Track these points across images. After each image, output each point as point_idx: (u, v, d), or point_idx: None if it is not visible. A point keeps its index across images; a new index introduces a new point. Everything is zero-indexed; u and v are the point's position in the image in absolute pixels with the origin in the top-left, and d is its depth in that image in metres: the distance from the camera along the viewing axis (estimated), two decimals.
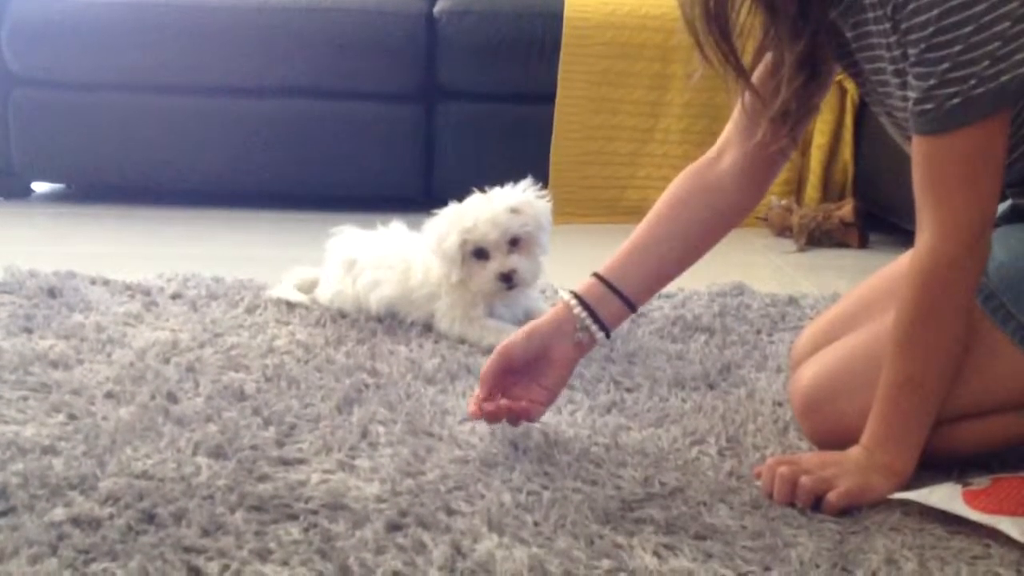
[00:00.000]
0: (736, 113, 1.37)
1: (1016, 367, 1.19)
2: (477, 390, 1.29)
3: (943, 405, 1.19)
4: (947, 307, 1.15)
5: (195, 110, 3.06)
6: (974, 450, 1.24)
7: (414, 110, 3.09)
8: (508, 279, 1.70)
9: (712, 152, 1.41)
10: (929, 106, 1.09)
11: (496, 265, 1.70)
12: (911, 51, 1.09)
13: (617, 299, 1.33)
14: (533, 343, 1.30)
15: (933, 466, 1.20)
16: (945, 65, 1.07)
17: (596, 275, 1.35)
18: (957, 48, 1.06)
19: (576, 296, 1.33)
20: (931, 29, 1.06)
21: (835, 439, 1.22)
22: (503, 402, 1.26)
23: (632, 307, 1.35)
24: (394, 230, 1.88)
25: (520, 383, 1.30)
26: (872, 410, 1.18)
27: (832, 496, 1.12)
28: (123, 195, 3.17)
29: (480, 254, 1.71)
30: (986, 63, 1.06)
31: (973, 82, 1.07)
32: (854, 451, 1.18)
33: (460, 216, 1.71)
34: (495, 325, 1.71)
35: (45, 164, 3.20)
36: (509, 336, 1.66)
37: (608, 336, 1.33)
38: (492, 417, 1.26)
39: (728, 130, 1.40)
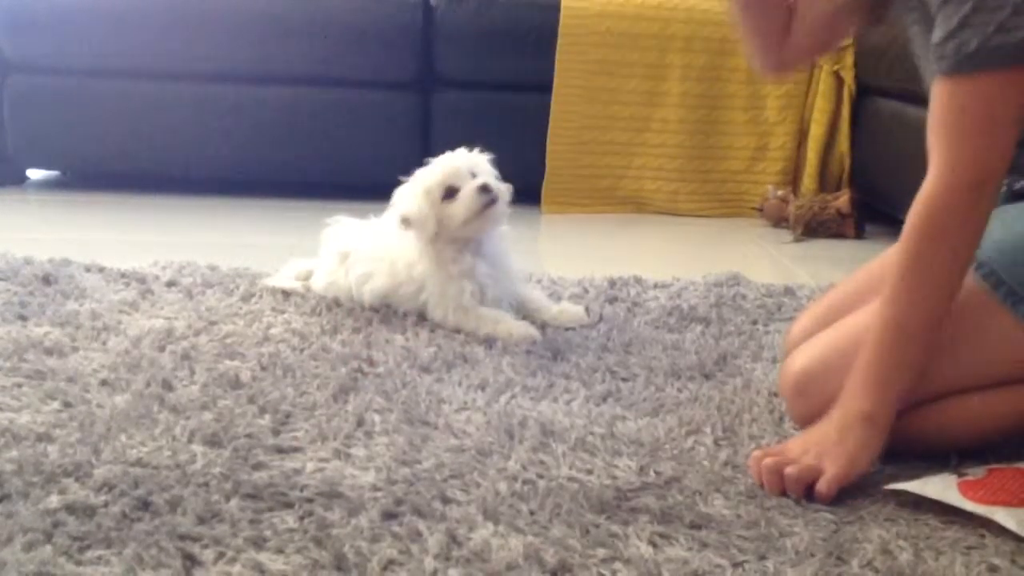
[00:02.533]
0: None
1: (1008, 331, 1.20)
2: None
3: (942, 380, 1.20)
4: (944, 249, 1.15)
5: (191, 97, 3.05)
6: (974, 431, 1.24)
7: (411, 98, 3.08)
8: (487, 189, 1.70)
9: None
10: (950, 46, 1.11)
11: (472, 184, 1.71)
12: None
13: None
14: None
15: (930, 456, 1.21)
16: (967, 8, 1.08)
17: None
18: None
19: None
20: None
21: None
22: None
23: None
24: (386, 221, 1.88)
25: None
26: (855, 364, 1.18)
27: (822, 486, 1.12)
28: (119, 182, 3.16)
29: (450, 193, 1.71)
30: (1008, 12, 1.07)
31: (992, 28, 1.08)
32: (831, 417, 1.17)
33: (423, 173, 1.73)
34: (491, 313, 1.71)
35: (40, 151, 3.19)
36: (505, 324, 1.67)
37: None
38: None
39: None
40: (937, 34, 1.12)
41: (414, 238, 1.75)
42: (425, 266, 1.75)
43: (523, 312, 1.78)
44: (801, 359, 1.30)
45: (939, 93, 1.14)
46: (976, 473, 1.13)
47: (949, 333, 1.20)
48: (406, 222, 1.73)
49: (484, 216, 1.72)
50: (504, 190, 1.73)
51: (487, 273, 1.75)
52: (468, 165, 1.74)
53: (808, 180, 3.03)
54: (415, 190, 1.73)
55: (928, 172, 1.16)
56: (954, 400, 1.23)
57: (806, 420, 1.27)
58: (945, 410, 1.24)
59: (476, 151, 1.77)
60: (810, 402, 1.26)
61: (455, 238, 1.73)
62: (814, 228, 2.74)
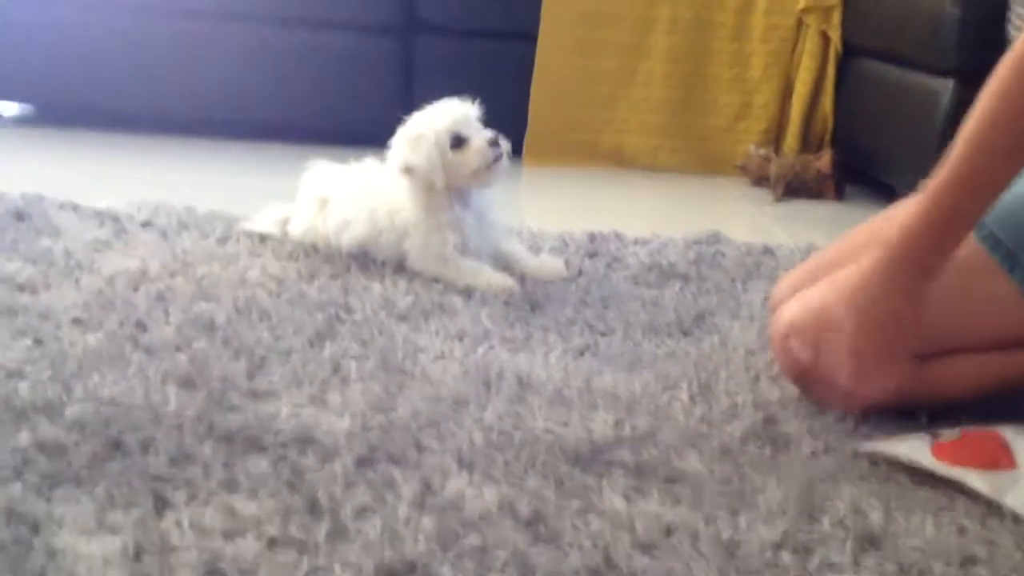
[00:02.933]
0: None
1: (1005, 299, 1.20)
2: None
3: (932, 338, 1.20)
4: None
5: (169, 34, 2.99)
6: (953, 392, 1.24)
7: (393, 43, 3.04)
8: (496, 143, 1.69)
9: None
10: None
11: (480, 135, 1.69)
12: None
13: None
14: None
15: (902, 413, 1.21)
16: None
17: None
18: None
19: None
20: None
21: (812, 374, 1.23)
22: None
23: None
24: (367, 167, 1.85)
25: None
26: (916, 204, 1.12)
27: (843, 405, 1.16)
28: (94, 119, 3.11)
29: (458, 142, 1.69)
30: None
31: None
32: (864, 274, 1.16)
33: (427, 120, 1.70)
34: (470, 264, 1.70)
35: (12, 84, 3.12)
36: (484, 275, 1.67)
37: None
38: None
39: None
40: None
41: (407, 185, 1.72)
42: (410, 213, 1.73)
43: (503, 264, 1.77)
44: (790, 312, 1.30)
45: None
46: (949, 435, 1.14)
47: (942, 290, 1.20)
48: (409, 171, 1.70)
49: (491, 170, 1.70)
50: (506, 146, 1.72)
51: (471, 225, 1.74)
52: (473, 111, 1.72)
53: (791, 139, 3.02)
54: (421, 137, 1.69)
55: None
56: (937, 361, 1.24)
57: (795, 373, 1.27)
58: (928, 370, 1.24)
59: (469, 101, 1.74)
60: (799, 355, 1.26)
61: (452, 188, 1.71)
62: (795, 188, 2.74)
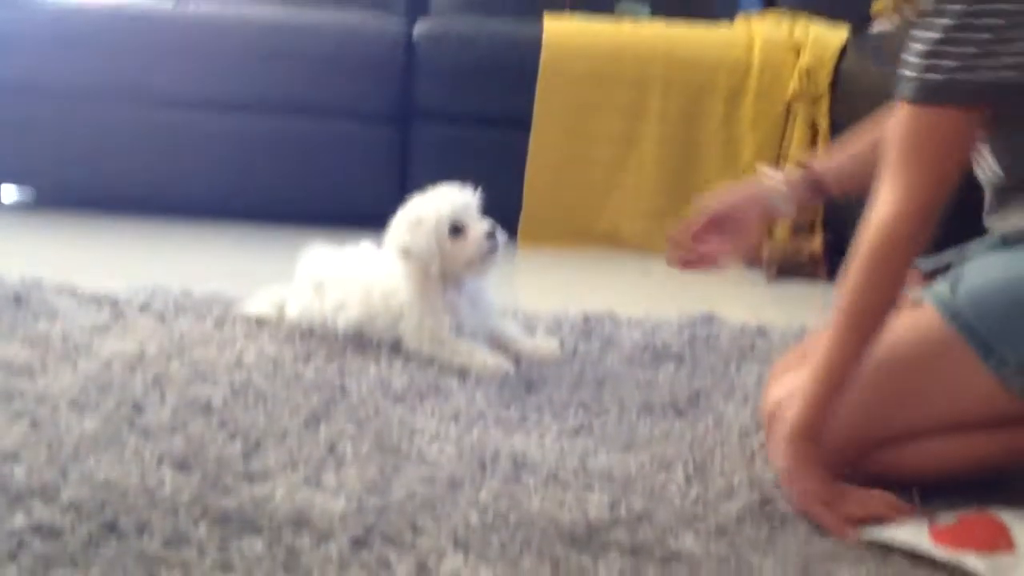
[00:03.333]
0: None
1: (978, 380, 1.21)
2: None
3: (907, 423, 1.23)
4: (900, 276, 1.18)
5: (170, 122, 3.04)
6: (929, 472, 1.25)
7: (390, 130, 3.09)
8: (493, 236, 1.71)
9: None
10: (913, 72, 1.13)
11: (479, 227, 1.71)
12: (920, 6, 1.12)
13: (815, 182, 1.50)
14: (732, 201, 1.50)
15: (892, 487, 1.22)
16: (937, 36, 1.10)
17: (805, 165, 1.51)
18: (951, 22, 1.08)
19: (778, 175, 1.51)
20: None
21: None
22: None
23: (826, 195, 1.52)
24: (363, 251, 1.88)
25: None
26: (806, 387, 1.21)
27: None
28: (92, 204, 3.14)
29: (456, 230, 1.71)
30: (972, 50, 1.08)
31: (956, 64, 1.09)
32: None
33: (429, 203, 1.72)
34: (465, 345, 1.71)
35: (13, 169, 3.16)
36: (479, 356, 1.68)
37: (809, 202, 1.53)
38: (690, 266, 1.49)
39: None
40: (910, 51, 1.13)
41: (403, 267, 1.74)
42: (405, 295, 1.75)
43: (498, 345, 1.78)
44: (776, 391, 1.31)
45: (901, 116, 1.16)
46: (947, 520, 1.14)
47: (923, 379, 1.22)
48: (407, 254, 1.72)
49: (485, 261, 1.73)
50: (502, 239, 1.74)
51: (465, 307, 1.75)
52: (472, 199, 1.74)
53: (782, 223, 3.05)
54: (420, 221, 1.71)
55: (880, 198, 1.18)
56: (913, 444, 1.26)
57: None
58: (903, 452, 1.26)
59: (469, 189, 1.77)
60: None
61: (447, 275, 1.73)
62: (788, 269, 2.76)
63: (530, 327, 1.94)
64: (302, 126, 3.06)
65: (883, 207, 1.17)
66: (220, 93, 3.03)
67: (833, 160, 1.52)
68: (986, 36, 1.07)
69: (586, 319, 2.03)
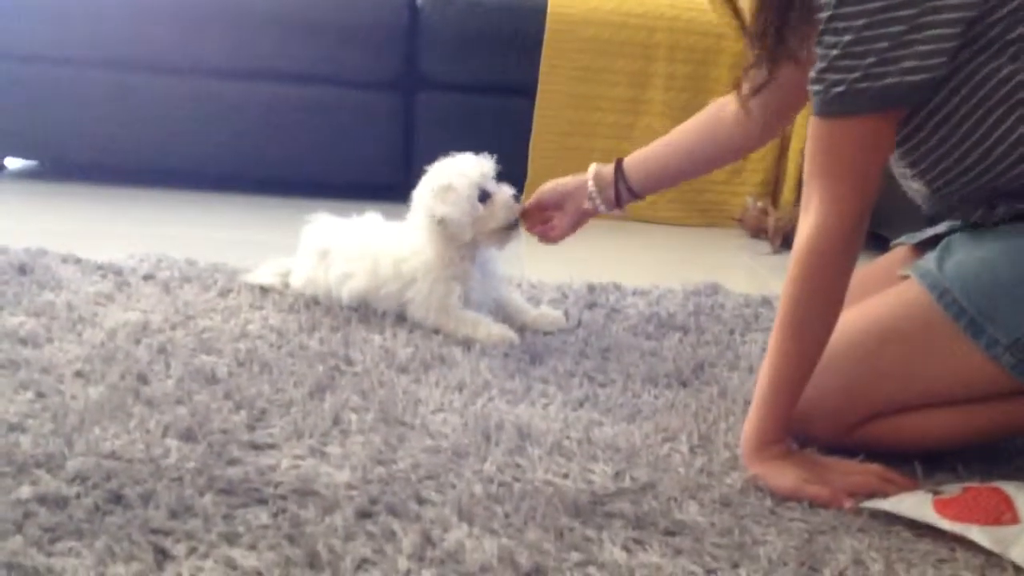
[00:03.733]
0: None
1: (967, 358, 1.21)
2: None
3: (899, 398, 1.25)
4: (836, 286, 1.20)
5: (173, 90, 3.03)
6: (929, 443, 1.26)
7: (394, 98, 3.08)
8: (517, 199, 1.74)
9: (733, 103, 1.51)
10: (818, 87, 1.13)
11: (503, 192, 1.72)
12: (819, 28, 1.12)
13: (625, 186, 1.67)
14: (556, 193, 1.74)
15: (893, 459, 1.22)
16: (836, 51, 1.11)
17: (618, 161, 1.68)
18: (848, 37, 1.09)
19: (596, 173, 1.70)
20: (829, 13, 1.10)
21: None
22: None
23: (636, 196, 1.69)
24: (368, 220, 1.87)
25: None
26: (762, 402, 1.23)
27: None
28: (96, 174, 3.14)
29: (484, 196, 1.71)
30: (872, 59, 1.09)
31: (858, 75, 1.10)
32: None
33: (455, 171, 1.71)
34: (471, 316, 1.71)
35: (17, 140, 3.16)
36: (484, 326, 1.68)
37: (619, 207, 1.71)
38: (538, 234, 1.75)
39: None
40: (814, 68, 1.14)
41: (426, 236, 1.74)
42: (419, 262, 1.74)
43: (503, 315, 1.78)
44: None
45: (813, 131, 1.17)
46: (951, 491, 1.14)
47: (911, 356, 1.23)
48: (443, 223, 1.71)
49: (509, 232, 1.73)
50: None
51: (476, 278, 1.75)
52: (491, 170, 1.75)
53: (787, 192, 3.05)
54: (451, 188, 1.70)
55: (807, 209, 1.19)
56: (908, 416, 1.26)
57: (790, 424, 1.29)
58: (899, 424, 1.27)
59: (486, 156, 1.76)
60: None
61: (468, 242, 1.73)
62: (792, 239, 2.75)
63: (535, 298, 1.94)
64: (306, 94, 3.05)
65: (810, 220, 1.18)
66: (224, 62, 3.02)
67: (647, 152, 1.67)
68: (885, 44, 1.08)
69: (591, 289, 2.03)
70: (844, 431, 1.27)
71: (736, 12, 1.30)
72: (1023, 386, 1.20)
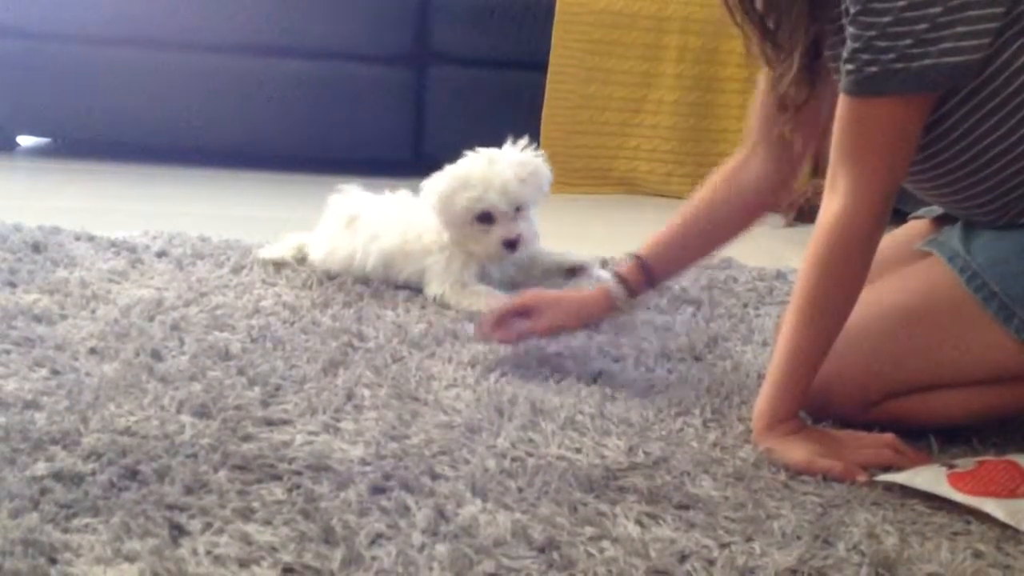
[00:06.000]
0: (758, 108, 1.40)
1: (996, 342, 1.20)
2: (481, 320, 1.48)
3: (924, 378, 1.23)
4: (859, 268, 1.18)
5: (184, 67, 3.03)
6: (948, 420, 1.26)
7: (406, 73, 3.07)
8: (513, 245, 1.70)
9: (742, 152, 1.46)
10: (851, 67, 1.12)
11: (502, 231, 1.71)
12: (851, 8, 1.10)
13: (647, 282, 1.51)
14: (579, 315, 1.51)
15: (910, 434, 1.21)
16: (872, 32, 1.09)
17: (638, 258, 1.51)
18: (887, 19, 1.07)
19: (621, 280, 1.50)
20: None
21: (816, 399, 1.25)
22: (522, 327, 1.46)
23: (655, 286, 1.54)
24: (400, 197, 1.88)
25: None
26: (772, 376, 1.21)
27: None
28: (109, 151, 3.14)
29: (485, 218, 1.70)
30: (909, 41, 1.07)
31: (893, 56, 1.08)
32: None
33: (466, 180, 1.70)
34: (485, 290, 1.71)
35: (31, 117, 3.16)
36: (494, 300, 1.68)
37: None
38: (507, 340, 1.47)
39: (754, 128, 1.43)
40: (847, 47, 1.12)
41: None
42: (439, 237, 1.74)
43: (539, 271, 1.77)
44: None
45: (842, 110, 1.15)
46: (965, 464, 1.13)
47: (936, 338, 1.23)
48: (434, 210, 1.73)
49: (500, 258, 1.73)
50: (533, 235, 1.74)
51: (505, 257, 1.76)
52: (515, 193, 1.71)
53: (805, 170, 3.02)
54: (452, 203, 1.71)
55: (834, 188, 1.17)
56: (931, 394, 1.25)
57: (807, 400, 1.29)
58: (920, 404, 1.26)
59: (524, 147, 1.74)
60: None
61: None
62: (807, 212, 2.73)
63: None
64: (316, 70, 3.05)
65: (835, 204, 1.16)
66: (235, 37, 3.02)
67: (659, 239, 1.52)
68: (924, 26, 1.07)
69: (603, 264, 2.02)
70: (862, 409, 1.26)
71: (764, 31, 1.24)
72: None
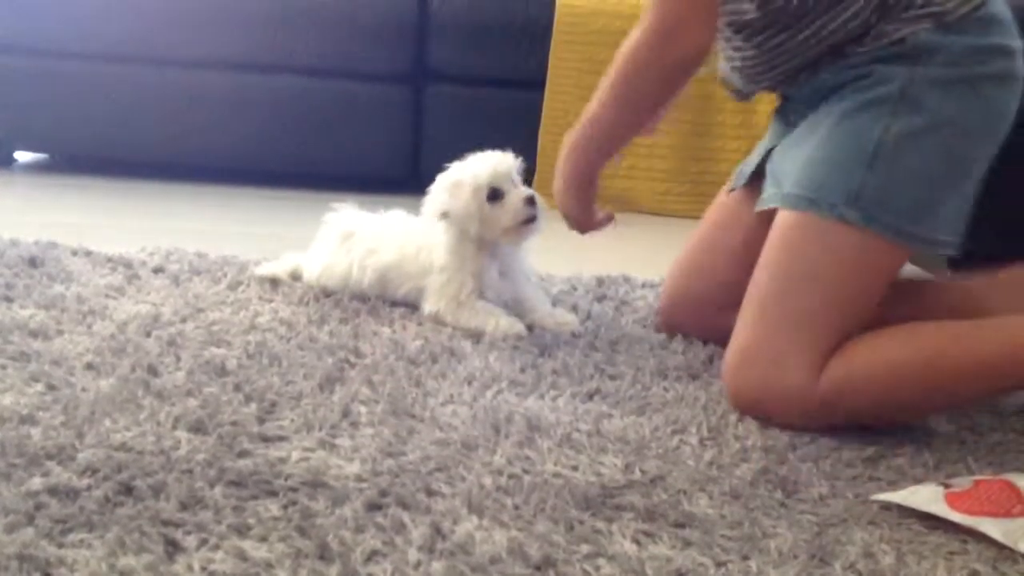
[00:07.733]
0: None
1: (841, 239, 1.33)
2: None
3: (831, 316, 1.33)
4: (645, 78, 1.55)
5: (182, 84, 3.04)
6: (893, 369, 1.31)
7: (403, 91, 3.07)
8: (532, 203, 1.70)
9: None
10: None
11: (517, 192, 1.71)
12: None
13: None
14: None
15: (899, 446, 1.22)
16: None
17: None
18: None
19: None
20: None
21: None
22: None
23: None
24: (395, 215, 1.88)
25: None
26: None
27: None
28: (106, 167, 3.15)
29: (495, 195, 1.70)
30: None
31: None
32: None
33: (467, 170, 1.71)
34: (484, 307, 1.71)
35: (28, 133, 3.17)
36: (493, 318, 1.67)
37: None
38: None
39: None
40: None
41: (441, 230, 1.74)
42: (439, 255, 1.74)
43: (517, 311, 1.76)
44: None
45: None
46: (962, 484, 1.13)
47: (818, 270, 1.34)
48: (445, 215, 1.71)
49: (524, 229, 1.72)
50: (542, 207, 1.73)
51: (494, 276, 1.74)
52: (512, 163, 1.74)
53: None
54: (460, 184, 1.70)
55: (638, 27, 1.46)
56: (860, 341, 1.32)
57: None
58: (859, 352, 1.32)
59: (510, 155, 1.76)
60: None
61: (484, 241, 1.73)
62: None
63: (544, 290, 1.94)
64: (315, 88, 3.05)
65: (633, 32, 1.49)
66: (233, 55, 3.02)
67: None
68: None
69: (600, 282, 2.03)
70: (809, 383, 1.31)
71: None
72: (925, 268, 1.32)
